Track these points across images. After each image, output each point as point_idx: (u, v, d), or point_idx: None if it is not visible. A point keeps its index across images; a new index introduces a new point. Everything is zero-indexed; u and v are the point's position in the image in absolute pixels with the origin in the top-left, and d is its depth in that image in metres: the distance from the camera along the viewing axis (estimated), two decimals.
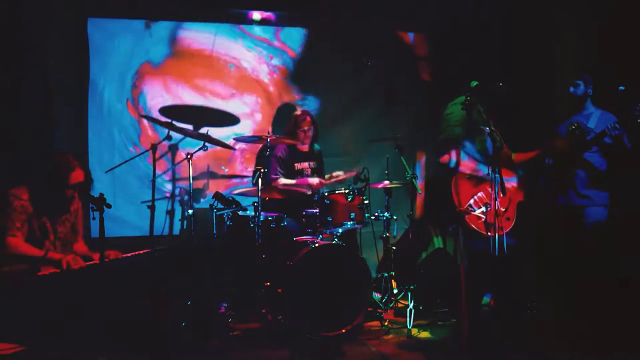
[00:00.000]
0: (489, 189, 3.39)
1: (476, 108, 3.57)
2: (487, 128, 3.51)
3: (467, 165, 3.80)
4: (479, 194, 3.77)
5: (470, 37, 5.37)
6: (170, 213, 5.31)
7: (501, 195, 3.30)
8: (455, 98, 3.79)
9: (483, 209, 3.64)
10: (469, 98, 3.53)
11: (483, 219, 3.59)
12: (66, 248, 3.68)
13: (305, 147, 5.07)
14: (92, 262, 3.56)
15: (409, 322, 4.19)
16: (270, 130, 5.09)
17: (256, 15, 5.49)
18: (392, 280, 4.68)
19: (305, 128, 4.95)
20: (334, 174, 4.98)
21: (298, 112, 5.10)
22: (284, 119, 5.39)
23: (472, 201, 3.75)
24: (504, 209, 3.73)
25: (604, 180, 3.96)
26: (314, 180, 4.83)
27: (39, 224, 3.57)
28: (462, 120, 3.75)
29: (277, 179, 4.88)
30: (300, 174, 5.02)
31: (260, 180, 4.26)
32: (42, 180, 3.60)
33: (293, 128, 4.98)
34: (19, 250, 3.45)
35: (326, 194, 4.43)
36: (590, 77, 4.00)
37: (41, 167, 3.70)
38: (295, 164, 5.04)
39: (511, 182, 3.87)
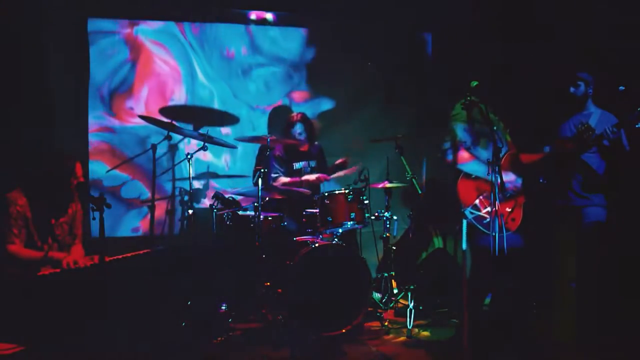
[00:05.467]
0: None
1: (479, 108, 3.56)
2: (493, 128, 3.50)
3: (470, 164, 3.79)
4: (484, 195, 3.76)
5: (472, 37, 5.37)
6: (170, 213, 5.31)
7: (501, 194, 3.30)
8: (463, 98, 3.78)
9: (488, 209, 3.64)
10: (469, 98, 3.53)
11: (488, 219, 3.59)
12: (63, 251, 3.65)
13: (304, 147, 5.08)
14: (91, 263, 3.55)
15: (409, 322, 4.19)
16: (267, 130, 5.08)
17: (262, 15, 5.48)
18: (392, 280, 4.68)
19: (298, 131, 4.95)
20: (337, 162, 5.00)
21: (292, 115, 5.10)
22: (280, 119, 5.41)
23: (477, 201, 3.75)
24: (509, 210, 3.74)
25: (602, 183, 3.95)
26: (312, 177, 4.83)
27: (37, 227, 3.54)
28: (467, 120, 3.74)
29: (277, 177, 4.89)
30: (299, 173, 5.03)
31: (260, 180, 4.26)
32: (40, 181, 3.58)
33: (287, 130, 4.99)
34: (19, 256, 3.44)
35: (326, 194, 4.43)
36: (590, 76, 3.99)
37: (40, 166, 3.67)
38: (294, 164, 5.05)
39: (517, 183, 3.86)
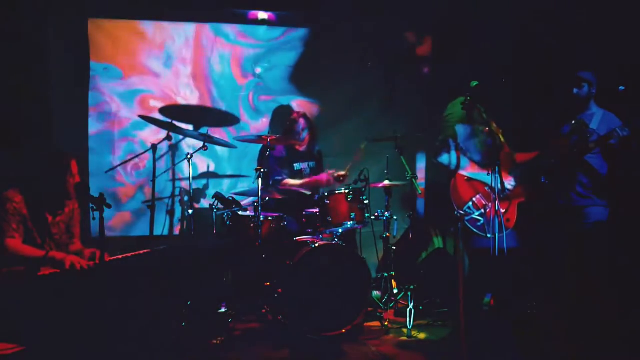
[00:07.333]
0: (488, 191, 3.39)
1: (476, 108, 3.56)
2: (487, 128, 3.51)
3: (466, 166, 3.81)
4: (478, 196, 3.77)
5: (472, 37, 5.37)
6: (170, 213, 5.32)
7: (500, 195, 3.30)
8: (456, 98, 3.79)
9: (482, 210, 3.65)
10: (468, 98, 3.53)
11: (481, 221, 3.59)
12: (61, 250, 3.62)
13: (303, 147, 5.08)
14: (93, 262, 3.55)
15: (409, 322, 4.19)
16: (268, 130, 5.06)
17: (262, 14, 5.49)
18: (392, 280, 4.68)
19: (300, 131, 4.95)
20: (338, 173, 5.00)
21: (294, 114, 5.10)
22: (281, 119, 5.41)
23: (470, 203, 3.76)
24: (504, 211, 3.74)
25: (604, 183, 3.94)
26: (323, 177, 4.82)
27: (35, 225, 3.53)
28: (462, 121, 3.75)
29: (281, 180, 4.87)
30: (299, 174, 5.03)
31: (260, 180, 4.26)
32: (39, 179, 3.57)
33: (289, 130, 4.98)
34: (19, 252, 3.41)
35: (326, 194, 4.43)
36: (594, 76, 3.98)
37: (40, 166, 3.66)
38: (294, 164, 5.04)
39: (511, 184, 3.87)
